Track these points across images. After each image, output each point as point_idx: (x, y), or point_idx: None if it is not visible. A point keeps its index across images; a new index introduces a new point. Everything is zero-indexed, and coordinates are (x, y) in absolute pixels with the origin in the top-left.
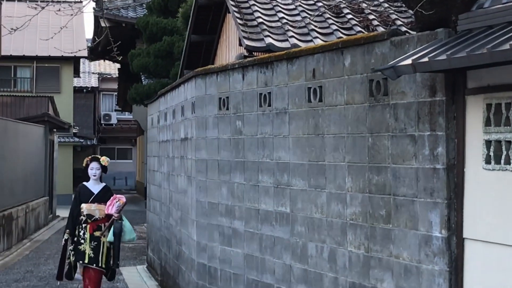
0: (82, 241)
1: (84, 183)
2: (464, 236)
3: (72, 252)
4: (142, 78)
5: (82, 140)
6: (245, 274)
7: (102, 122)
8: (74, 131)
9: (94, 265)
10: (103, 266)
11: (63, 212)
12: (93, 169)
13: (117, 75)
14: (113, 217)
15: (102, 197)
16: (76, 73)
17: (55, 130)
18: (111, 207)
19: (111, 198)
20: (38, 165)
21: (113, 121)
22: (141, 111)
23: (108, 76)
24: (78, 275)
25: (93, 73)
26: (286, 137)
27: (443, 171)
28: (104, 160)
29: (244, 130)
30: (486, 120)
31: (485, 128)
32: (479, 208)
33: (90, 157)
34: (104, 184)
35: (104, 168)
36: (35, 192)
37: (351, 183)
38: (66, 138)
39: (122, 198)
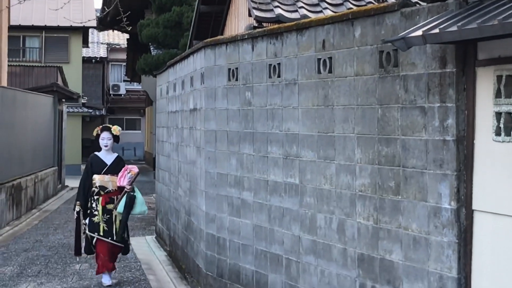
0: (96, 213)
1: (96, 153)
2: (473, 208)
3: (87, 224)
4: (151, 49)
5: (90, 111)
6: (254, 245)
7: (110, 92)
8: (82, 101)
9: (109, 238)
10: (119, 239)
11: (72, 182)
12: (104, 139)
13: (126, 46)
14: (126, 189)
15: (115, 168)
16: (85, 43)
17: (64, 100)
18: (123, 178)
19: (123, 169)
20: (47, 135)
21: (122, 91)
22: (150, 81)
23: (117, 47)
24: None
25: (102, 43)
26: (295, 108)
27: (452, 142)
28: (115, 129)
29: (253, 101)
30: (497, 91)
31: (495, 100)
32: (489, 179)
33: (101, 126)
34: (116, 154)
35: (115, 138)
36: (44, 162)
37: (361, 155)
38: (75, 108)
39: (134, 169)
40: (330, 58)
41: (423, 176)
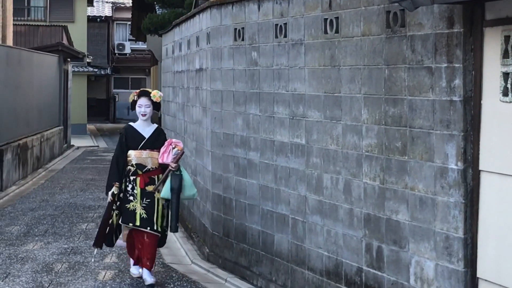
0: (131, 198)
1: (132, 123)
2: (480, 168)
3: (115, 212)
4: (156, 8)
5: (96, 70)
6: (260, 205)
7: (116, 51)
8: (88, 60)
9: (148, 228)
10: (159, 229)
11: (78, 142)
12: (142, 107)
13: (130, 4)
14: (170, 167)
15: (155, 142)
16: (90, 2)
17: (69, 59)
18: (167, 154)
19: (166, 143)
20: (53, 95)
21: (127, 50)
22: (155, 41)
23: (122, 5)
24: (120, 241)
25: (107, 2)
26: (302, 69)
27: (459, 103)
28: (156, 95)
29: (259, 61)
30: (504, 52)
31: (502, 60)
32: (496, 140)
33: (138, 91)
34: (155, 125)
35: (155, 106)
36: (49, 121)
37: (367, 115)
38: (80, 67)
39: (179, 144)
40: (337, 18)
41: (430, 137)
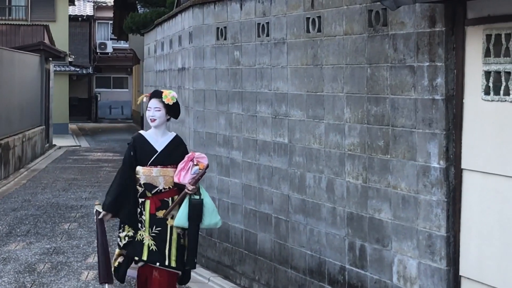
0: (139, 225)
1: (142, 132)
2: (462, 167)
3: (125, 242)
4: (138, 7)
5: (77, 69)
6: (243, 204)
7: (97, 51)
8: (69, 60)
9: (158, 263)
10: (174, 264)
11: (60, 141)
12: (151, 110)
13: (112, 3)
14: (186, 189)
15: (170, 156)
16: (71, 1)
17: (50, 59)
18: (184, 173)
19: (186, 158)
20: (34, 94)
21: (109, 49)
22: (137, 40)
23: (103, 5)
24: (132, 271)
25: (88, 1)
26: (284, 68)
27: (442, 102)
28: (167, 95)
29: (242, 60)
30: (486, 51)
31: (484, 59)
32: (478, 139)
33: (149, 93)
34: (173, 134)
35: (170, 110)
36: (31, 121)
37: (350, 114)
38: (62, 67)
39: (203, 160)
40: (319, 17)
41: (412, 135)
